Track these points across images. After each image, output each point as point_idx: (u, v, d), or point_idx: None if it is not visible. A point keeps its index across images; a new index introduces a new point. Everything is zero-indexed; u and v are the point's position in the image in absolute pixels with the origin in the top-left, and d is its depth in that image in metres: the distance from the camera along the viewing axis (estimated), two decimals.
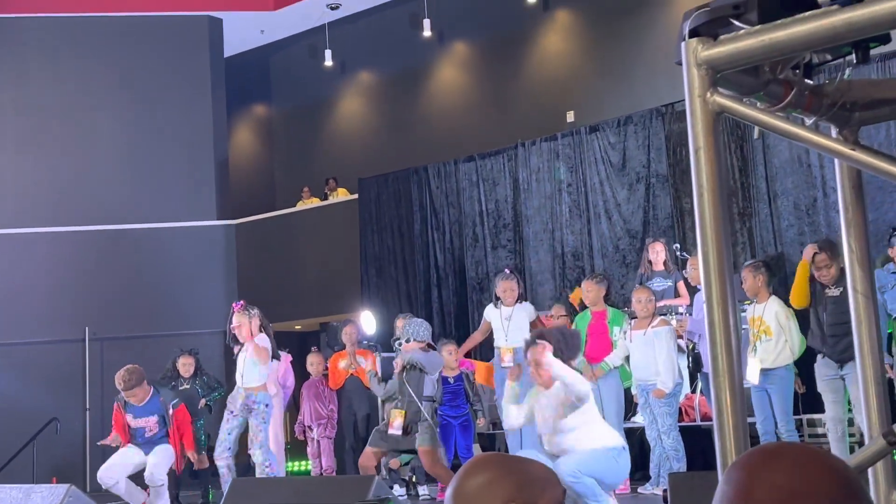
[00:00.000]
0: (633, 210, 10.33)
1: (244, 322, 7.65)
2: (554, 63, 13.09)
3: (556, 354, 5.61)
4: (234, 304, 7.95)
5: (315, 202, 13.96)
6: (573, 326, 7.91)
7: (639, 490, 7.46)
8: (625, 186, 10.41)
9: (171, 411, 7.82)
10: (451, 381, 8.22)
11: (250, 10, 14.23)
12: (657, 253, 8.65)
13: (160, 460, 7.66)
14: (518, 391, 6.02)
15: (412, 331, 6.97)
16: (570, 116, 12.51)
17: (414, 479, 8.45)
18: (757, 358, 6.79)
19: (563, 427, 5.55)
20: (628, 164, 10.42)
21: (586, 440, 5.51)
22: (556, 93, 12.81)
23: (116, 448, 7.93)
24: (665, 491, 5.78)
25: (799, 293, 6.75)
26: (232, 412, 7.71)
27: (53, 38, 13.45)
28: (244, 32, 14.59)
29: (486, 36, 13.58)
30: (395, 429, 6.71)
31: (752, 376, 6.74)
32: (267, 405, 7.71)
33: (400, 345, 7.13)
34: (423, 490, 8.32)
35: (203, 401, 9.05)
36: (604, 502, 5.42)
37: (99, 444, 8.57)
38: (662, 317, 7.49)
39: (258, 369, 7.66)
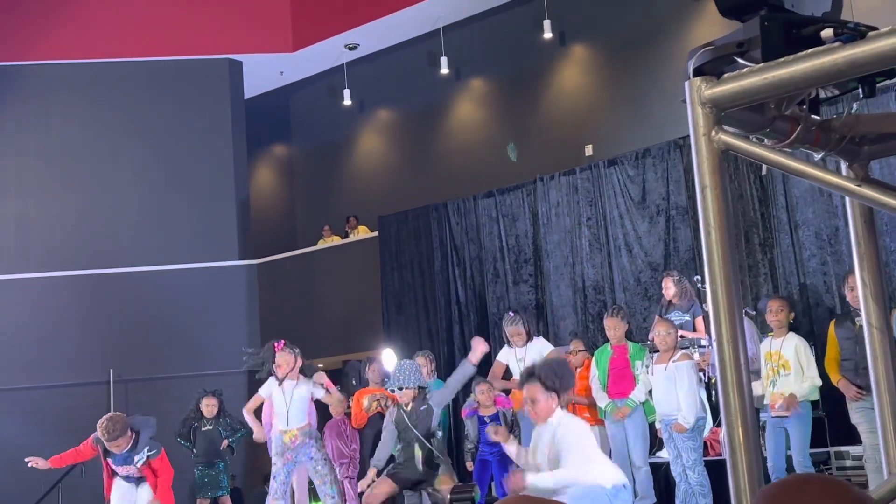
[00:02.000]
0: (654, 243, 10.30)
1: (290, 361, 7.64)
2: (571, 97, 13.13)
3: (548, 388, 5.51)
4: (275, 344, 7.90)
5: (336, 240, 14.02)
6: (593, 361, 7.86)
7: None
8: (645, 219, 10.38)
9: (144, 460, 7.37)
10: (488, 419, 8.17)
11: (270, 53, 14.41)
12: (667, 288, 8.62)
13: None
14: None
15: (402, 378, 6.83)
16: (589, 150, 12.53)
17: None
18: (777, 391, 6.74)
19: (562, 463, 5.47)
20: (648, 196, 10.40)
21: (587, 476, 5.45)
22: (573, 127, 12.84)
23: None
24: None
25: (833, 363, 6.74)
26: (283, 464, 7.54)
27: (76, 84, 13.66)
28: (264, 74, 14.76)
29: (503, 72, 13.66)
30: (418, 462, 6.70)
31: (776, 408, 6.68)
32: (318, 438, 7.70)
33: (392, 389, 7.06)
34: None
35: (225, 442, 9.05)
36: None
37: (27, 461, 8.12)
38: (684, 350, 7.43)
39: (304, 408, 7.66)
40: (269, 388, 7.75)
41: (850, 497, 1.22)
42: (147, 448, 7.34)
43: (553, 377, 5.49)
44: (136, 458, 7.31)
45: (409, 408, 6.91)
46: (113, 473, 7.59)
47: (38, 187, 13.44)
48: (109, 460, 7.50)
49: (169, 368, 12.49)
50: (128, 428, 7.32)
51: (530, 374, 5.56)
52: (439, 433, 6.97)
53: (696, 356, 7.61)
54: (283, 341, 7.86)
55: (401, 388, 6.85)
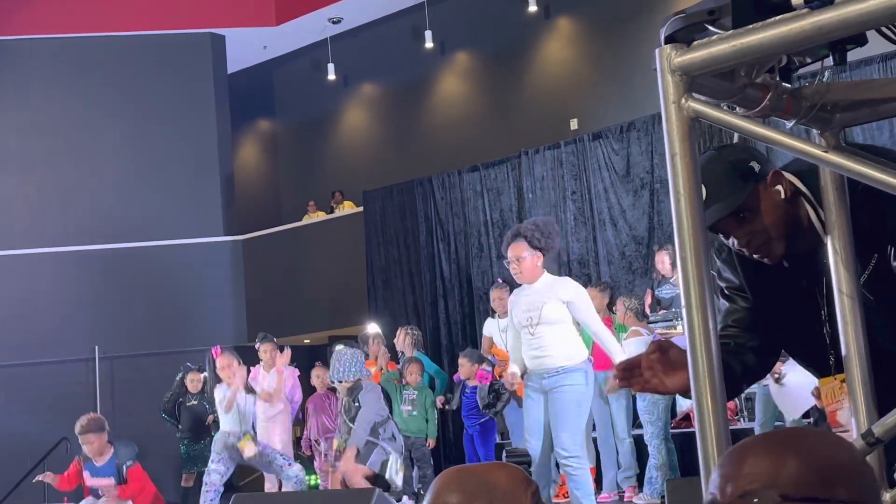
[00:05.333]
0: (639, 216, 10.33)
1: (234, 363, 7.57)
2: (556, 71, 13.10)
3: (533, 246, 5.52)
4: (213, 350, 7.81)
5: (321, 216, 14.00)
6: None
7: (634, 500, 7.42)
8: (629, 193, 10.40)
9: (125, 469, 7.34)
10: (468, 390, 8.20)
11: (253, 27, 14.30)
12: (663, 262, 8.60)
13: None
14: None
15: (342, 371, 6.64)
16: (574, 124, 12.52)
17: (423, 492, 8.41)
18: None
19: (543, 319, 5.51)
20: (632, 170, 10.42)
21: (562, 344, 5.53)
22: (558, 101, 12.82)
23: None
24: (663, 498, 5.75)
25: None
26: (227, 456, 7.48)
27: (57, 59, 13.53)
28: (247, 48, 14.66)
29: (488, 46, 13.61)
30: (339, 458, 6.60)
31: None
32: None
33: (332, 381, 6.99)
34: None
35: (211, 417, 9.06)
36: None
37: (34, 480, 8.28)
38: (634, 328, 7.44)
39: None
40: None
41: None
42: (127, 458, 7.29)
43: (538, 235, 5.51)
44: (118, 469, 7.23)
45: (344, 401, 6.77)
46: (91, 492, 7.46)
47: (19, 164, 13.34)
48: (87, 472, 7.41)
49: (155, 345, 12.47)
50: (103, 430, 7.33)
51: (516, 234, 5.60)
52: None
53: (679, 329, 7.64)
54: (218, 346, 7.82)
55: (340, 381, 6.67)
